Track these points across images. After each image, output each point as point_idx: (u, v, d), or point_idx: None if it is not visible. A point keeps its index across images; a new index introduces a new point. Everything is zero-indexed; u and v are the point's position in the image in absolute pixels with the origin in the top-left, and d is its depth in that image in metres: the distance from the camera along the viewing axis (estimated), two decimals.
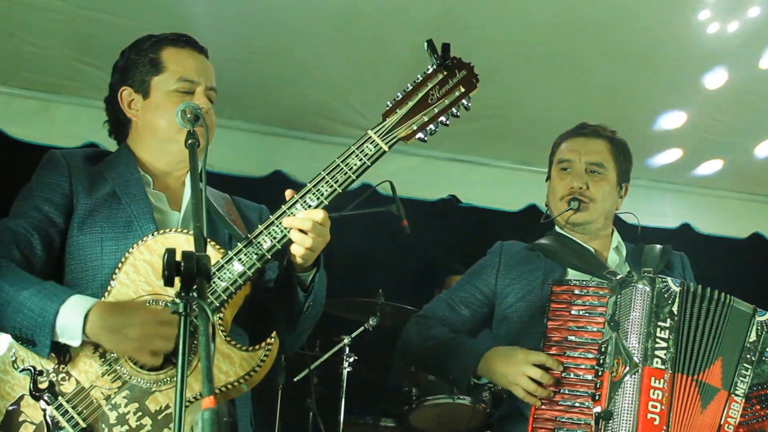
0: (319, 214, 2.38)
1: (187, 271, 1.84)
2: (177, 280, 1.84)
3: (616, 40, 4.42)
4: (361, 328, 5.24)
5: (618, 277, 2.86)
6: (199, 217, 2.08)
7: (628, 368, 2.62)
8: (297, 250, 2.40)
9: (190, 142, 2.34)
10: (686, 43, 4.40)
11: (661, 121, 5.10)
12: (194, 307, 1.80)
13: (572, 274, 3.06)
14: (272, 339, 2.37)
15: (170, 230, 2.46)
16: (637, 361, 2.62)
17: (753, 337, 2.75)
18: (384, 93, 4.62)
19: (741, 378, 2.73)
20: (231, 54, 4.39)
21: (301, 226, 2.37)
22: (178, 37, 2.72)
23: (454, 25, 4.24)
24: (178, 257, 1.85)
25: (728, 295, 2.76)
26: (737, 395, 2.72)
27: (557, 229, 3.26)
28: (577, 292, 2.79)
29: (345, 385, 5.19)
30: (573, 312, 2.77)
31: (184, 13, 4.16)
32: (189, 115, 2.43)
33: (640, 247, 3.23)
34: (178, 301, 1.82)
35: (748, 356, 2.75)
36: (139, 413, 2.31)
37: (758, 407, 2.73)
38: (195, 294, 1.83)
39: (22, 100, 4.82)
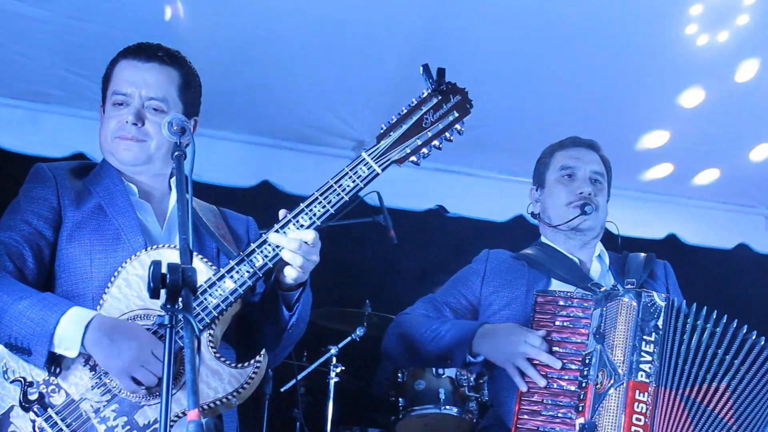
0: (310, 235, 2.39)
1: (172, 284, 1.84)
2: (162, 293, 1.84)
3: (603, 53, 4.45)
4: (348, 339, 5.24)
5: (602, 289, 2.87)
6: (185, 229, 2.09)
7: (613, 380, 2.61)
8: (289, 271, 2.42)
9: (176, 153, 2.34)
10: (674, 55, 4.43)
11: (648, 134, 5.13)
12: (180, 319, 1.81)
13: (556, 284, 3.07)
14: (261, 357, 2.37)
15: (162, 246, 2.46)
16: (622, 373, 2.61)
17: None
18: (372, 104, 4.70)
19: None
20: (219, 64, 4.39)
21: (290, 246, 2.38)
22: (132, 47, 2.73)
23: (442, 37, 4.26)
24: (164, 269, 1.85)
25: (761, 337, 2.72)
26: None
27: (543, 239, 3.28)
28: (561, 303, 2.79)
29: (332, 395, 5.19)
30: (557, 323, 2.77)
31: (173, 23, 4.17)
32: (175, 128, 2.43)
33: (624, 256, 3.24)
34: (163, 313, 1.83)
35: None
36: (128, 427, 2.31)
37: None
38: (180, 306, 1.83)
39: (9, 109, 4.81)
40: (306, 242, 2.38)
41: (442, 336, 2.97)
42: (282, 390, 5.25)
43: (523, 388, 2.74)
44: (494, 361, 2.86)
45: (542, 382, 2.72)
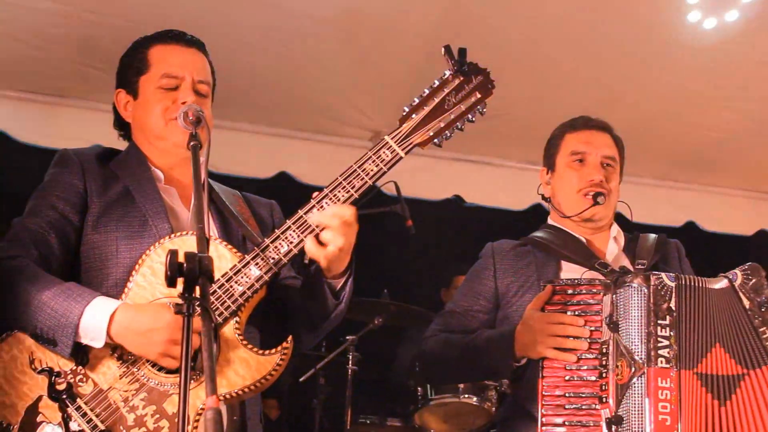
0: (348, 211, 2.37)
1: (189, 272, 1.85)
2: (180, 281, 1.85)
3: (623, 40, 4.43)
4: (367, 328, 5.24)
5: (608, 270, 2.85)
6: (200, 217, 2.09)
7: (633, 370, 2.57)
8: (317, 253, 2.38)
9: (192, 144, 2.34)
10: (690, 42, 4.40)
11: (666, 121, 5.11)
12: (197, 308, 1.82)
13: (564, 265, 3.03)
14: (288, 343, 2.36)
15: (186, 233, 2.45)
16: (642, 362, 2.57)
17: (746, 303, 2.67)
18: (388, 94, 4.70)
19: (766, 343, 2.64)
20: (236, 56, 4.41)
21: (330, 224, 2.36)
22: (165, 33, 2.72)
23: (459, 24, 4.25)
24: (181, 258, 1.86)
25: (700, 279, 2.69)
26: None
27: (550, 221, 3.24)
28: (570, 291, 2.75)
29: (351, 384, 5.20)
30: (569, 313, 2.73)
31: (189, 16, 4.17)
32: (191, 117, 2.43)
33: (635, 236, 3.19)
34: (181, 301, 1.84)
35: (756, 321, 2.66)
36: (157, 416, 2.31)
37: None
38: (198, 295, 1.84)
39: (28, 103, 4.85)
40: (345, 219, 2.36)
41: (483, 355, 2.95)
42: (301, 380, 5.26)
43: (572, 358, 2.69)
44: (535, 357, 2.80)
45: (572, 359, 2.69)
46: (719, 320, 2.67)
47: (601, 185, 3.09)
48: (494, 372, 2.96)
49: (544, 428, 2.69)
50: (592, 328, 2.70)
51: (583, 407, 2.67)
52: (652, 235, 3.19)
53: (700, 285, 2.69)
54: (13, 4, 4.14)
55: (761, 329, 2.66)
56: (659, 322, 2.61)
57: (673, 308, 2.62)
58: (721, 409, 2.59)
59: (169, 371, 2.35)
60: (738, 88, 4.78)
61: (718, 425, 2.58)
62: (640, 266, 2.95)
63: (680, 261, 3.17)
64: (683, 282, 2.66)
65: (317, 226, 2.37)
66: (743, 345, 2.65)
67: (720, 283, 2.72)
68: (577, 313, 2.73)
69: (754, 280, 2.71)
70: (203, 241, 2.00)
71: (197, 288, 1.88)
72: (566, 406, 2.68)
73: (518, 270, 3.09)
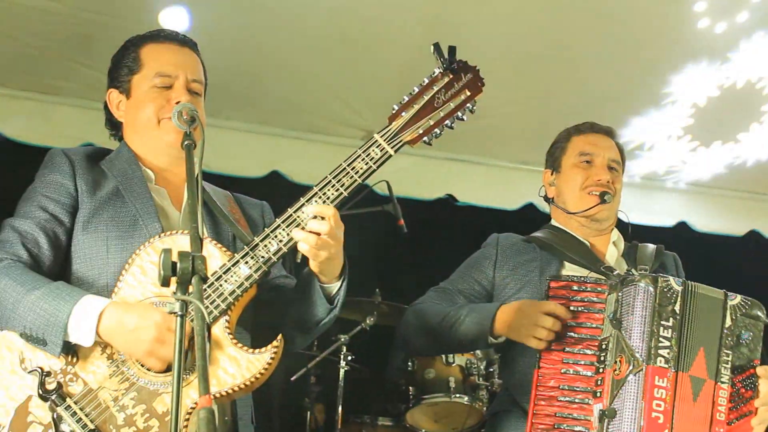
0: (329, 210, 2.37)
1: (182, 272, 1.85)
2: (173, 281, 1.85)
3: (614, 39, 4.44)
4: (358, 328, 5.24)
5: (615, 273, 2.88)
6: (194, 217, 2.09)
7: (632, 367, 2.61)
8: (301, 248, 2.39)
9: (186, 143, 2.34)
10: (686, 42, 4.42)
11: (659, 122, 5.12)
12: (190, 307, 1.82)
13: (568, 267, 3.06)
14: (278, 342, 2.36)
15: (176, 232, 2.45)
16: (641, 359, 2.62)
17: (728, 322, 2.73)
18: (381, 93, 4.70)
19: (723, 365, 2.71)
20: (228, 55, 4.41)
21: (320, 229, 2.36)
22: (157, 32, 2.72)
23: (450, 24, 4.26)
24: (174, 257, 1.86)
25: (696, 284, 2.75)
26: (723, 382, 2.70)
27: (554, 222, 3.27)
28: (575, 288, 2.79)
29: (342, 384, 5.20)
30: (571, 308, 2.77)
31: (183, 15, 4.18)
32: (185, 116, 2.43)
33: (634, 245, 3.24)
34: (174, 300, 1.84)
35: (727, 341, 2.73)
36: (147, 415, 2.30)
37: (743, 390, 2.72)
38: (191, 294, 1.84)
39: (20, 101, 4.84)
40: (325, 217, 2.36)
41: (461, 322, 2.96)
42: (292, 379, 5.26)
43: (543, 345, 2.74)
44: (516, 339, 2.84)
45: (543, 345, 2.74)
46: (708, 326, 2.73)
47: (608, 185, 3.15)
48: (470, 344, 2.97)
49: (534, 419, 2.73)
50: (593, 325, 2.74)
51: (576, 401, 2.70)
52: (651, 245, 3.24)
53: (703, 293, 2.74)
54: (8, 1, 4.13)
55: (725, 350, 2.73)
56: (662, 323, 2.66)
57: (677, 311, 2.68)
58: (693, 407, 2.65)
59: (159, 370, 2.35)
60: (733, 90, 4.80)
61: (690, 422, 2.64)
62: (642, 272, 2.98)
63: (677, 272, 3.22)
64: (689, 288, 2.72)
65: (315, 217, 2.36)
66: (712, 356, 2.72)
67: (716, 294, 2.77)
68: (579, 309, 2.77)
69: (751, 311, 2.78)
70: (197, 241, 2.00)
71: (190, 287, 1.88)
72: (559, 398, 2.72)
73: (519, 264, 3.11)
